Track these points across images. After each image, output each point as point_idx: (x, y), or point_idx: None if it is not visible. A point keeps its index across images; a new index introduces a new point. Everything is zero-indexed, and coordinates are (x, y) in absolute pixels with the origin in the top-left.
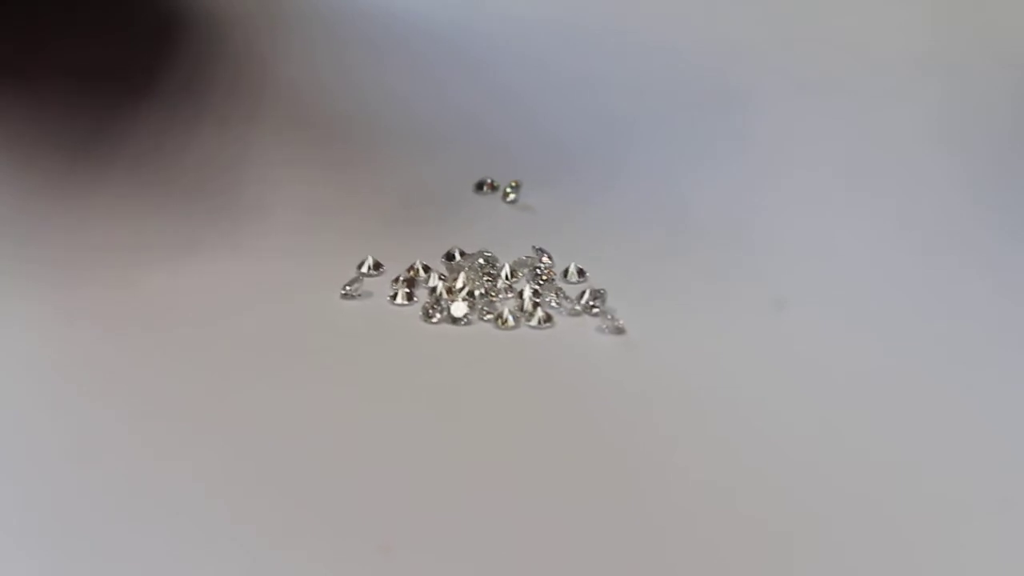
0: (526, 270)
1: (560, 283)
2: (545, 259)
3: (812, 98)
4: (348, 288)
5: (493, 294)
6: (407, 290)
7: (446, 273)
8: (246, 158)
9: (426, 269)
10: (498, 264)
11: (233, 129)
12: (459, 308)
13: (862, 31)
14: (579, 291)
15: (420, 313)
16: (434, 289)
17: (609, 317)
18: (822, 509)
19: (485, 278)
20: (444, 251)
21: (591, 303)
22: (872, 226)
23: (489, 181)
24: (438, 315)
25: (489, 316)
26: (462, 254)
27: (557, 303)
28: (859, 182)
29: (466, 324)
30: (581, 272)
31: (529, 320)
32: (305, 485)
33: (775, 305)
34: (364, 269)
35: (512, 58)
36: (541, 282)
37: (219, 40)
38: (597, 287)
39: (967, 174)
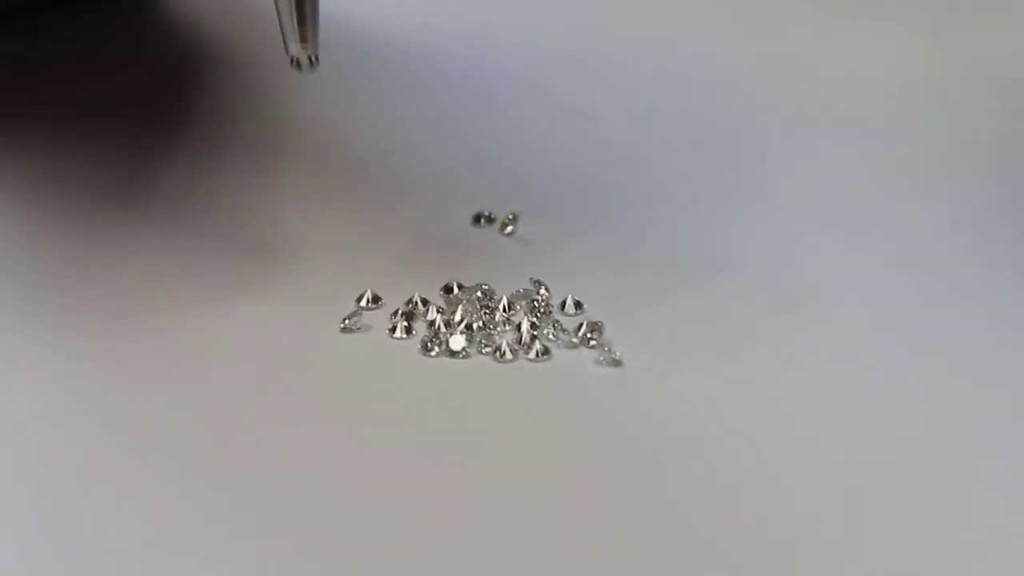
0: (524, 303)
1: (558, 315)
2: (543, 291)
3: (810, 133)
4: (347, 322)
5: (491, 327)
6: (406, 323)
7: (444, 306)
8: (247, 194)
9: (424, 302)
10: (496, 297)
11: (234, 165)
12: (457, 341)
13: (859, 67)
14: (576, 323)
15: (419, 346)
16: (433, 322)
17: (606, 349)
18: (818, 540)
19: (483, 311)
20: (442, 284)
21: (588, 335)
22: (869, 261)
23: (487, 213)
24: (437, 348)
25: (487, 349)
26: (460, 287)
27: (555, 336)
28: (856, 217)
29: (464, 357)
30: (579, 304)
31: (527, 353)
32: (305, 519)
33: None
34: (363, 303)
35: (511, 91)
36: (539, 315)
37: (222, 82)
38: (594, 319)
39: (964, 209)
